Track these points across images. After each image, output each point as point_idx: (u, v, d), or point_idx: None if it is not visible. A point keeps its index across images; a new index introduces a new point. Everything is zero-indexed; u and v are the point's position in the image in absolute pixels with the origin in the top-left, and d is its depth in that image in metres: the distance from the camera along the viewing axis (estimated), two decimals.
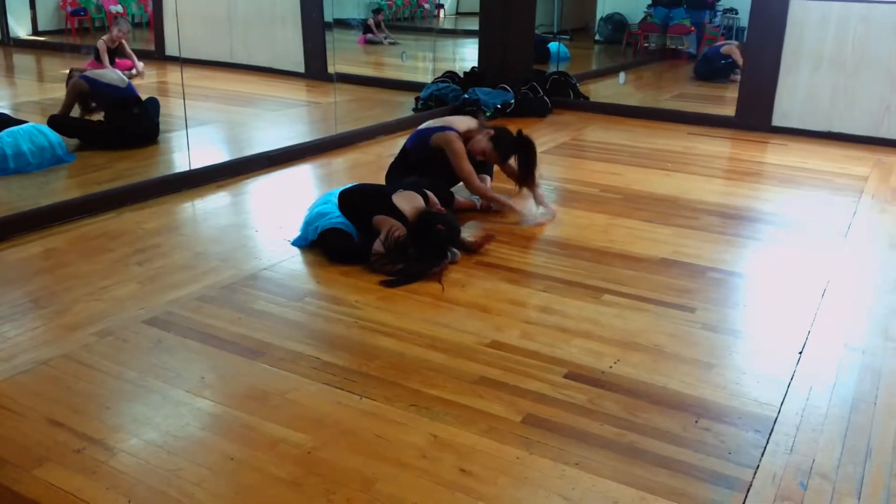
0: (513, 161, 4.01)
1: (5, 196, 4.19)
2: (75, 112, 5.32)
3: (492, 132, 3.94)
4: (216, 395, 2.30)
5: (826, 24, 5.75)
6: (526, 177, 3.98)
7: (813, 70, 5.88)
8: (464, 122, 4.07)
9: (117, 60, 7.51)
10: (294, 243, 3.50)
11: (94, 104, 5.32)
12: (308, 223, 3.47)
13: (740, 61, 8.33)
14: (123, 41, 7.55)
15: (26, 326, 2.71)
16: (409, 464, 2.00)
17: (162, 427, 2.14)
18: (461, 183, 4.01)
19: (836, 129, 5.89)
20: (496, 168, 4.19)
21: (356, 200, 3.42)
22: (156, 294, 2.98)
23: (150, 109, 5.32)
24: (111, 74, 5.43)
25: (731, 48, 8.73)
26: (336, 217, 3.37)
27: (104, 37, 7.57)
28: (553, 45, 9.24)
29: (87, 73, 5.40)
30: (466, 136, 3.96)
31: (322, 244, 3.37)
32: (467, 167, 3.88)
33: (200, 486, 1.90)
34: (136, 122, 5.14)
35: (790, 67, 5.95)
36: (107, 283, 3.07)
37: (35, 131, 4.60)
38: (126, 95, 5.20)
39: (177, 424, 2.15)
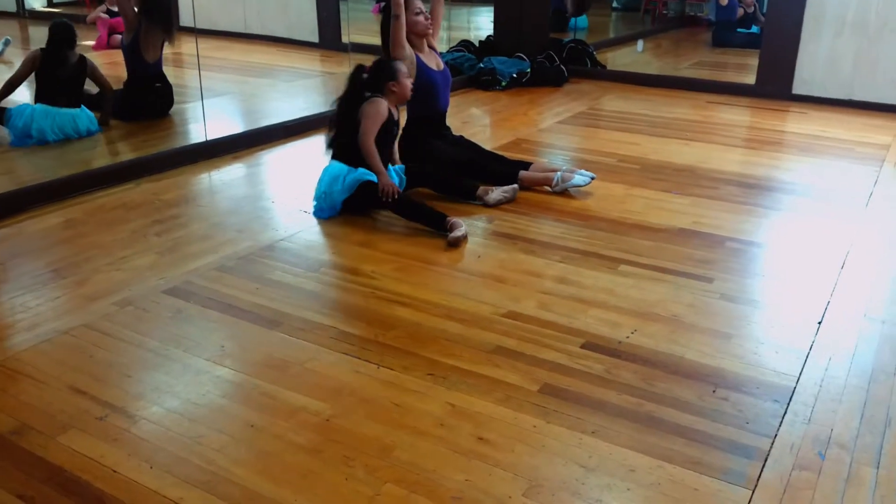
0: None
1: (26, 167, 4.22)
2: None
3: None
4: (236, 364, 2.33)
5: None
6: None
7: (835, 36, 5.77)
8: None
9: None
10: (316, 215, 3.50)
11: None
12: (326, 193, 3.46)
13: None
14: None
15: (48, 296, 2.74)
16: (426, 432, 2.01)
17: (183, 395, 2.17)
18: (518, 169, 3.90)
19: (857, 96, 5.79)
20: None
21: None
22: (175, 264, 3.00)
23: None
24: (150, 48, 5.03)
25: None
26: (357, 172, 3.41)
27: None
28: None
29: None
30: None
31: (363, 196, 3.40)
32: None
33: (221, 452, 1.93)
34: (153, 96, 5.10)
35: (811, 33, 5.83)
36: (126, 253, 3.10)
37: (72, 118, 4.53)
38: (152, 73, 5.07)
39: (197, 392, 2.18)
